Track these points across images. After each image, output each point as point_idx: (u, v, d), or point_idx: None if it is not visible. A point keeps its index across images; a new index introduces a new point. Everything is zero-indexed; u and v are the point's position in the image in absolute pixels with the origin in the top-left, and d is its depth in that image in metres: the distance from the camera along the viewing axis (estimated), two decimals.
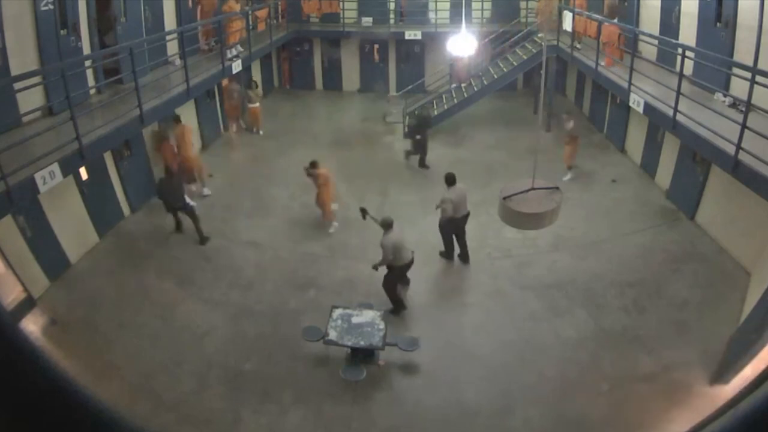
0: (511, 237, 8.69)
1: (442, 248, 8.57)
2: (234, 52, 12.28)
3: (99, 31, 9.05)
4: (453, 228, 8.34)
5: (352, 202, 10.53)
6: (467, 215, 8.38)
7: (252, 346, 6.89)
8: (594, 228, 9.29)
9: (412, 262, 7.35)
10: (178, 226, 9.33)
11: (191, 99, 10.42)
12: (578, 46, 12.24)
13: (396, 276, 7.34)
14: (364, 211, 8.00)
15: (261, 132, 14.13)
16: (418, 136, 11.79)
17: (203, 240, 9.06)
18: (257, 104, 14.00)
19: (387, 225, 7.19)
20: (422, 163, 11.80)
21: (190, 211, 9.04)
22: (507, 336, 7.02)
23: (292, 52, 17.93)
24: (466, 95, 14.15)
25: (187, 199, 8.99)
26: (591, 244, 8.77)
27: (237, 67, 12.04)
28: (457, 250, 8.55)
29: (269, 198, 10.75)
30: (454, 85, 15.01)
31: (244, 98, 13.92)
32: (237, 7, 12.41)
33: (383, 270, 7.34)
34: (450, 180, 8.31)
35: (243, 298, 7.79)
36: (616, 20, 10.97)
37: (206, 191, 10.75)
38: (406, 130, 11.73)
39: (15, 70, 6.83)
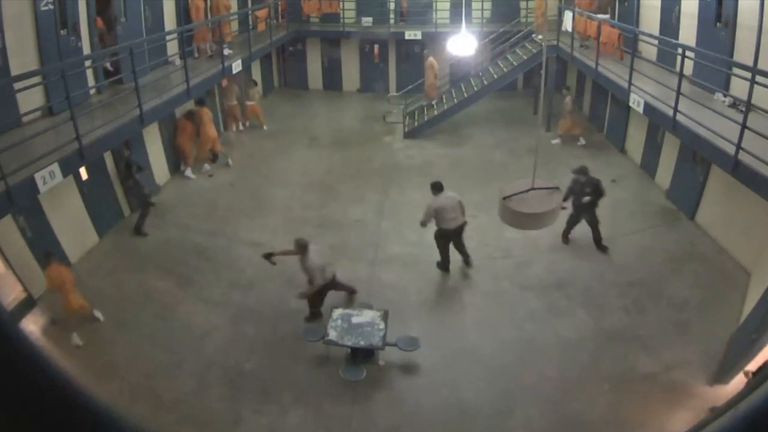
0: (511, 237, 8.69)
1: (462, 258, 8.31)
2: (214, 48, 12.20)
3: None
4: (447, 239, 8.00)
5: (350, 201, 10.56)
6: (463, 225, 7.93)
7: (252, 346, 6.89)
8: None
9: (335, 276, 7.27)
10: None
11: (191, 99, 10.42)
12: (587, 44, 12.23)
13: (324, 292, 7.24)
14: (268, 256, 7.44)
15: (265, 127, 14.30)
16: (585, 199, 8.43)
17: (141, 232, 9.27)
18: (254, 102, 14.14)
19: (303, 248, 6.91)
20: (599, 244, 8.66)
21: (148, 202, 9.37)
22: (507, 336, 7.02)
23: (292, 52, 17.94)
24: (466, 95, 14.15)
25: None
26: (591, 244, 8.76)
27: (237, 67, 12.04)
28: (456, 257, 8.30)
29: (269, 198, 10.76)
30: (425, 102, 14.87)
31: (243, 97, 14.01)
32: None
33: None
34: (436, 188, 7.86)
35: (243, 298, 7.79)
36: (607, 16, 11.05)
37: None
38: (570, 196, 8.49)
39: (15, 70, 6.83)
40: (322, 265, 7.03)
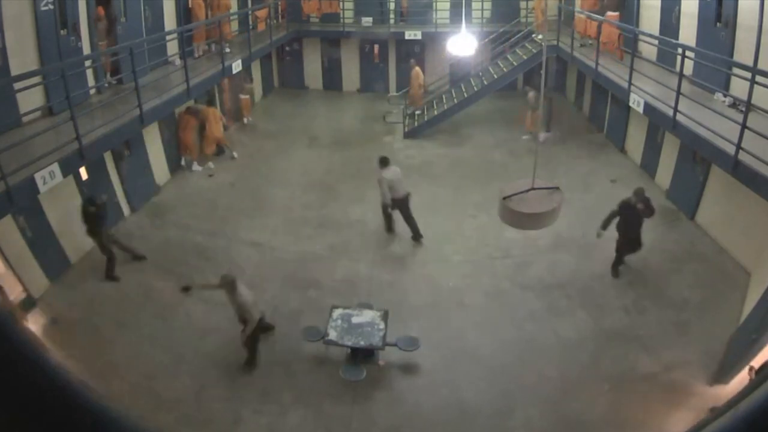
0: (511, 237, 8.68)
1: (411, 234, 9.07)
2: (214, 47, 12.22)
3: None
4: (395, 208, 8.91)
5: (350, 201, 10.56)
6: (408, 195, 8.85)
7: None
8: (594, 228, 9.24)
9: (263, 316, 6.61)
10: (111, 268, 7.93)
11: (191, 99, 10.43)
12: (585, 42, 12.26)
13: (257, 332, 6.48)
14: (186, 289, 6.69)
15: (247, 119, 14.62)
16: (639, 205, 7.70)
17: (114, 277, 7.94)
18: (247, 96, 14.54)
19: (231, 284, 6.21)
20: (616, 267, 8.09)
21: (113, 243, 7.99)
22: (507, 336, 7.02)
23: (292, 52, 17.94)
24: (466, 95, 14.15)
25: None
26: (591, 244, 8.75)
27: (237, 67, 12.05)
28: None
29: (269, 198, 10.76)
30: (409, 111, 14.77)
31: (238, 93, 14.28)
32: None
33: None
34: (384, 162, 8.83)
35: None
36: (616, 14, 11.06)
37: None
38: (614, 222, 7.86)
39: (15, 70, 6.83)
40: (255, 301, 6.35)
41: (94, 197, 7.77)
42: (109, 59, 9.17)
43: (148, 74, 9.48)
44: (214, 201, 10.55)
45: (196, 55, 11.80)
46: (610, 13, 11.16)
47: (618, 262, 8.05)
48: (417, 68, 14.82)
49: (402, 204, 8.83)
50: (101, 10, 8.97)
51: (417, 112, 14.66)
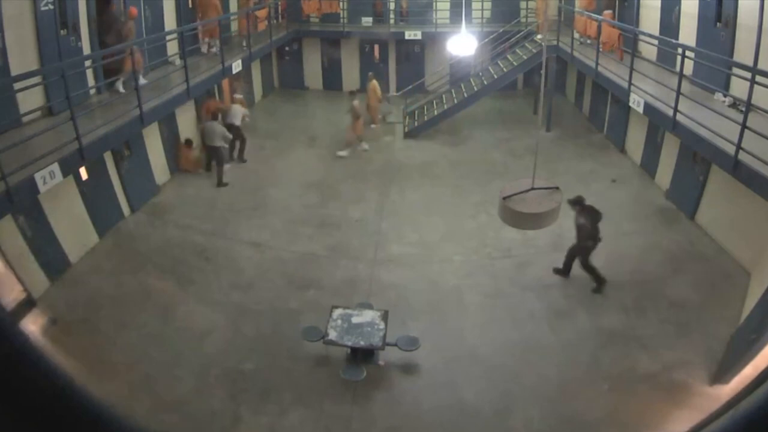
0: (511, 237, 8.69)
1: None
2: (213, 48, 12.22)
3: (99, 32, 9.05)
4: (210, 152, 11.38)
5: (350, 201, 10.55)
6: (221, 147, 11.24)
7: (252, 346, 6.88)
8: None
9: None
10: None
11: (191, 99, 10.42)
12: (584, 40, 12.33)
13: None
14: None
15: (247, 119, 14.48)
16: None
17: None
18: (240, 96, 14.31)
19: None
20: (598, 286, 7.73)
21: None
22: (507, 336, 7.02)
23: (292, 52, 17.94)
24: (465, 95, 14.15)
25: None
26: None
27: (237, 67, 12.05)
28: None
29: (269, 198, 10.76)
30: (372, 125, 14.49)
31: (233, 93, 14.20)
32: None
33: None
34: (213, 117, 11.35)
35: (243, 298, 7.79)
36: (610, 12, 11.12)
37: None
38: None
39: (15, 70, 6.83)
40: None
41: None
42: (130, 59, 9.00)
43: (148, 74, 9.48)
44: (214, 201, 10.56)
45: (204, 50, 11.79)
46: (605, 11, 11.20)
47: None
48: (374, 81, 14.38)
49: (215, 150, 11.29)
50: (134, 10, 9.00)
51: (372, 126, 14.13)
